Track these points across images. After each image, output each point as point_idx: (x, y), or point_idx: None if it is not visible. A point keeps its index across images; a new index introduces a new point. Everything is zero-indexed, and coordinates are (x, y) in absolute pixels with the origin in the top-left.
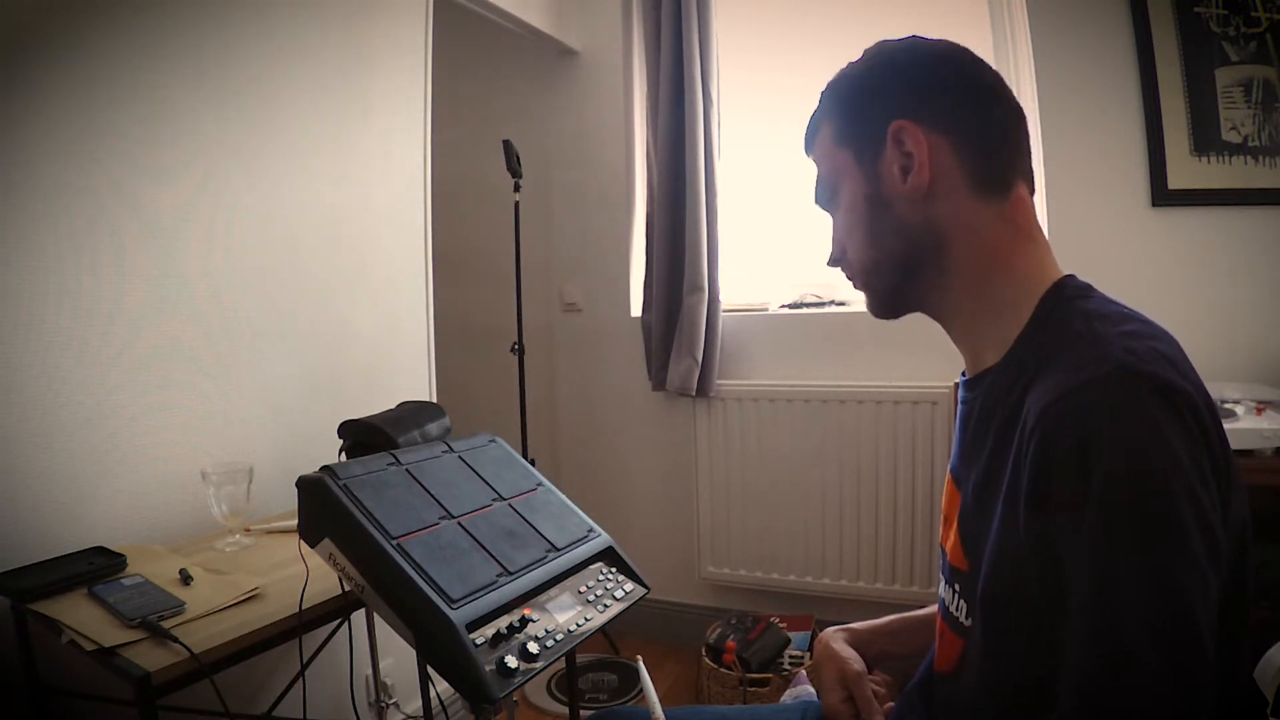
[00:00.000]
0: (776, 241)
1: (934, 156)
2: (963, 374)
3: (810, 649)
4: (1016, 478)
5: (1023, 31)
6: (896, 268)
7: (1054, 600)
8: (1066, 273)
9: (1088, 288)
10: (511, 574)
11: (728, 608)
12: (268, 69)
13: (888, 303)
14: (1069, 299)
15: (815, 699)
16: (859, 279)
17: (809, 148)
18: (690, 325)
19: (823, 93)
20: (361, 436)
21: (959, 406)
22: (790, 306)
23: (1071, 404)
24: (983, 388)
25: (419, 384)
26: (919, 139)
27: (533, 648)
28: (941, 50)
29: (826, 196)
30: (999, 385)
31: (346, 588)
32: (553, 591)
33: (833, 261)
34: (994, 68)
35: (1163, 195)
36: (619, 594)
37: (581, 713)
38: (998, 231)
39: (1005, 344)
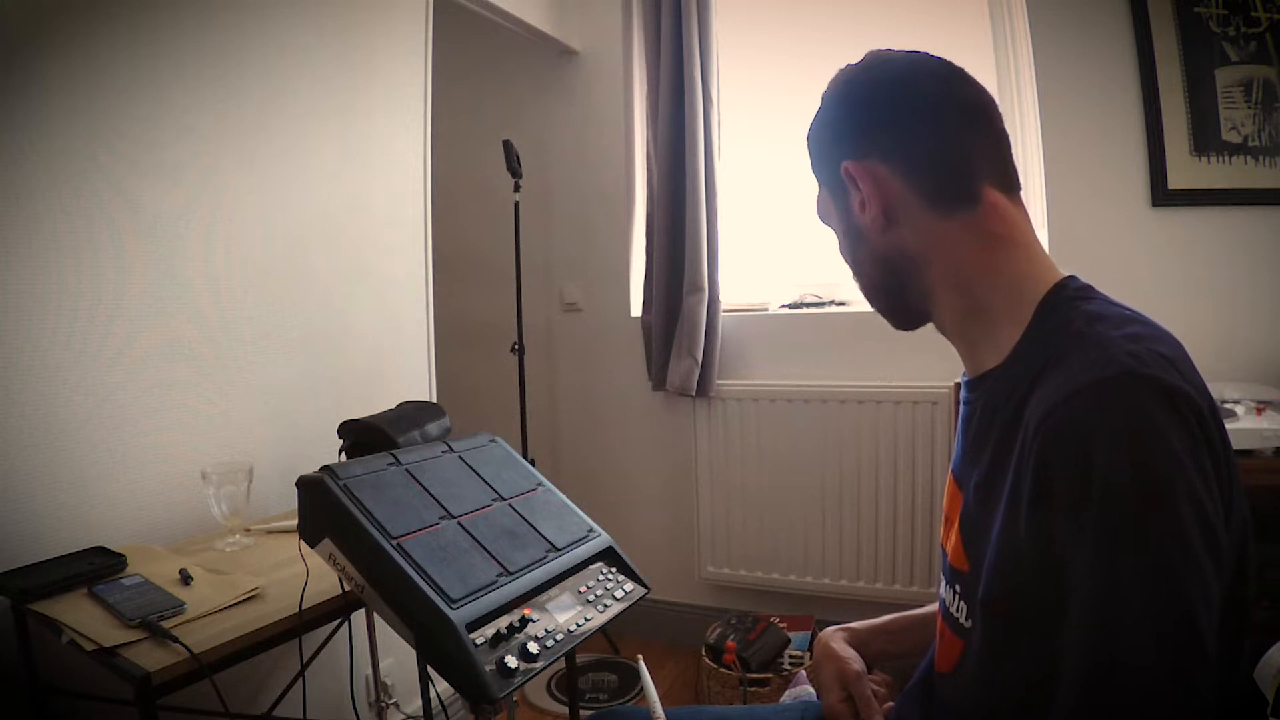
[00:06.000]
0: (776, 241)
1: (882, 188)
2: (964, 375)
3: (810, 649)
4: (1019, 480)
5: (1023, 31)
6: (883, 291)
7: (1055, 602)
8: (1067, 274)
9: (1088, 289)
10: (511, 574)
11: (728, 608)
12: (268, 69)
13: (893, 319)
14: (1069, 300)
15: (815, 699)
16: (866, 299)
17: None
18: (690, 325)
19: None
20: (361, 436)
21: (961, 407)
22: (790, 306)
23: (1074, 407)
24: (984, 389)
25: (419, 384)
26: (864, 174)
27: (533, 648)
28: (880, 74)
29: (829, 224)
30: (1001, 387)
31: (346, 588)
32: (553, 591)
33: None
34: (951, 66)
35: (1163, 195)
36: (619, 594)
37: (581, 713)
38: (968, 245)
39: (1003, 347)
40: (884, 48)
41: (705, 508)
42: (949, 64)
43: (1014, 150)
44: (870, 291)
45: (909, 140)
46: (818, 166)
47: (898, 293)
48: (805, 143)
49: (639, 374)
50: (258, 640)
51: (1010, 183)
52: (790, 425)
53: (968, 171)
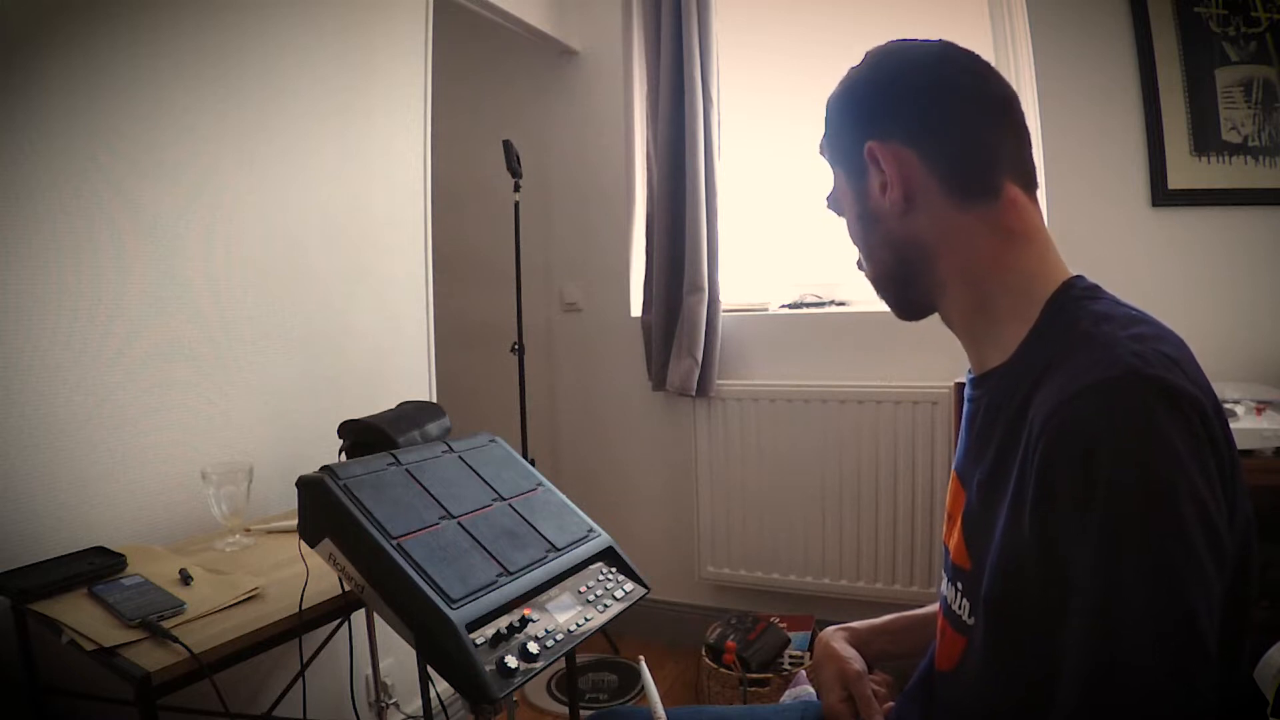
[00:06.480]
0: (776, 241)
1: (905, 172)
2: (969, 372)
3: (810, 649)
4: (1022, 479)
5: (1023, 31)
6: (893, 279)
7: (1056, 601)
8: (1074, 273)
9: (1096, 288)
10: (511, 574)
11: (728, 608)
12: (268, 69)
13: (899, 309)
14: (1077, 299)
15: (815, 699)
16: (873, 287)
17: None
18: (690, 325)
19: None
20: (361, 436)
21: (965, 404)
22: (790, 306)
23: (1078, 407)
24: (989, 386)
25: (419, 384)
26: (888, 156)
27: (533, 648)
28: (912, 59)
29: (838, 210)
30: (1006, 384)
31: (346, 588)
32: (553, 591)
33: (859, 265)
34: (979, 60)
35: (1163, 195)
36: (619, 594)
37: (581, 713)
38: (985, 238)
39: (1009, 345)
40: (905, 38)
41: (705, 508)
42: (978, 56)
43: None
44: (879, 279)
45: (937, 128)
46: (835, 144)
47: (905, 281)
48: (824, 119)
49: (639, 374)
50: (258, 640)
51: (1029, 180)
52: (790, 425)
53: (991, 165)
